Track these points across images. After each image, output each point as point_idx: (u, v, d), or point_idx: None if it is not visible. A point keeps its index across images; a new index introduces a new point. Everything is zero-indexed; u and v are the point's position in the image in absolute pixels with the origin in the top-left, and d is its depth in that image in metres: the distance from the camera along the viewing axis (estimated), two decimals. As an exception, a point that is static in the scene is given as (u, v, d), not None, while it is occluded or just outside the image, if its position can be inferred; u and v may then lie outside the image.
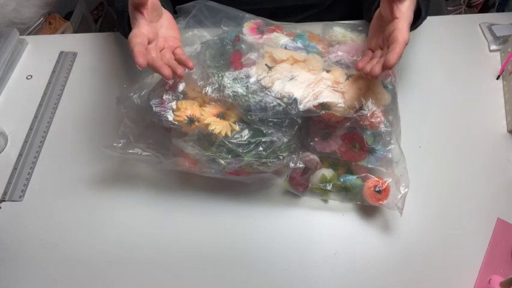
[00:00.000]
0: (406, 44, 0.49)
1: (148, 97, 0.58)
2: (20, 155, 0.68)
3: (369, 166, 0.57)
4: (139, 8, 0.52)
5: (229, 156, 0.54)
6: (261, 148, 0.54)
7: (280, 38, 0.61)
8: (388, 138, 0.56)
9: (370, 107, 0.55)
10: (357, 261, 0.55)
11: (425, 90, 0.70)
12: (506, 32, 0.73)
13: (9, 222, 0.62)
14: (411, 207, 0.56)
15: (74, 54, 0.81)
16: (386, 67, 0.48)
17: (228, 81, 0.55)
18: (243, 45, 0.58)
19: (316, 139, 0.58)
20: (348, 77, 0.57)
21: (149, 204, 0.62)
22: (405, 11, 0.50)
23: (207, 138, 0.55)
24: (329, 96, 0.54)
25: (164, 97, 0.56)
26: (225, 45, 0.60)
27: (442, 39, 0.76)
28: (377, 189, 0.55)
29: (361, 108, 0.55)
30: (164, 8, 0.58)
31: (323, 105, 0.54)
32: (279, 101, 0.54)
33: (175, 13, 0.64)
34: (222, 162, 0.54)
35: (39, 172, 0.66)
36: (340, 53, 0.60)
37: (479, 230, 0.57)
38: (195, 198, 0.62)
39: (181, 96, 0.57)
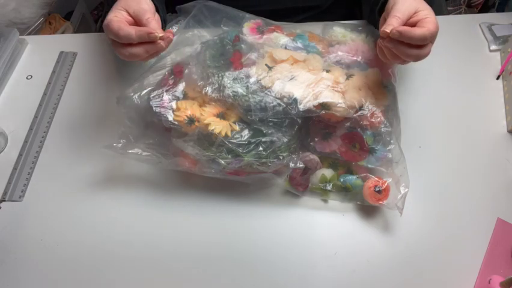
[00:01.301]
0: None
1: (148, 97, 0.58)
2: (20, 155, 0.68)
3: (369, 166, 0.57)
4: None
5: (229, 156, 0.54)
6: (261, 148, 0.54)
7: (280, 38, 0.61)
8: (388, 138, 0.56)
9: (370, 107, 0.55)
10: (357, 261, 0.55)
11: (425, 90, 0.70)
12: (506, 32, 0.73)
13: (9, 222, 0.62)
14: (411, 207, 0.56)
15: (74, 54, 0.81)
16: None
17: (228, 81, 0.55)
18: (243, 45, 0.58)
19: (316, 139, 0.58)
20: (348, 77, 0.57)
21: (149, 204, 0.62)
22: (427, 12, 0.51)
23: (207, 138, 0.55)
24: (329, 96, 0.54)
25: (164, 97, 0.56)
26: (225, 45, 0.60)
27: (442, 39, 0.76)
28: (377, 189, 0.55)
29: (361, 108, 0.55)
30: None
31: (323, 105, 0.54)
32: (279, 101, 0.54)
33: (174, 12, 0.64)
34: (222, 162, 0.54)
35: (39, 172, 0.66)
36: (340, 53, 0.60)
37: (479, 230, 0.57)
38: (195, 198, 0.62)
39: (181, 96, 0.57)
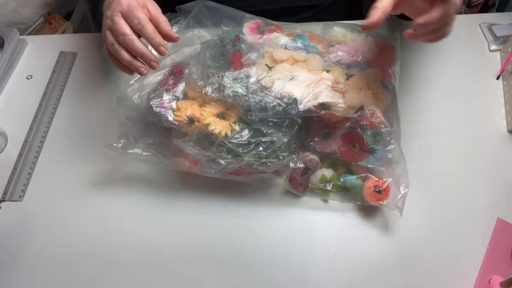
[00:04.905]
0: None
1: (148, 97, 0.58)
2: (20, 155, 0.68)
3: (369, 166, 0.57)
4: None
5: (229, 156, 0.54)
6: (261, 148, 0.54)
7: (280, 38, 0.61)
8: (388, 138, 0.56)
9: (370, 107, 0.55)
10: (357, 262, 0.55)
11: (424, 90, 0.70)
12: (506, 32, 0.73)
13: (9, 222, 0.62)
14: (411, 207, 0.56)
15: (74, 54, 0.81)
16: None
17: (228, 81, 0.55)
18: (243, 45, 0.58)
19: (316, 139, 0.58)
20: (348, 77, 0.57)
21: (149, 204, 0.62)
22: None
23: (207, 138, 0.55)
24: (329, 96, 0.54)
25: (164, 97, 0.56)
26: (225, 45, 0.60)
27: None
28: (377, 189, 0.55)
29: (361, 108, 0.55)
30: None
31: (323, 105, 0.54)
32: (279, 101, 0.54)
33: (174, 12, 0.64)
34: (222, 162, 0.54)
35: (39, 172, 0.66)
36: (340, 53, 0.60)
37: (479, 230, 0.57)
38: (195, 198, 0.62)
39: (181, 96, 0.57)
